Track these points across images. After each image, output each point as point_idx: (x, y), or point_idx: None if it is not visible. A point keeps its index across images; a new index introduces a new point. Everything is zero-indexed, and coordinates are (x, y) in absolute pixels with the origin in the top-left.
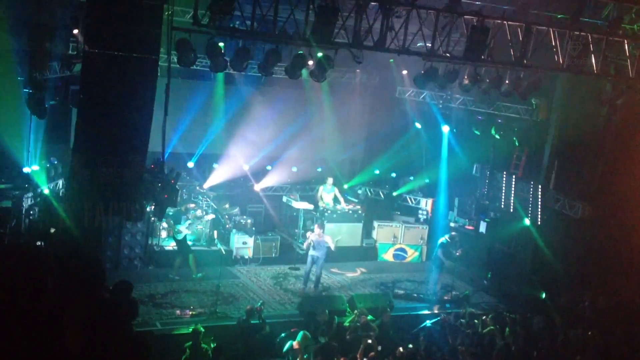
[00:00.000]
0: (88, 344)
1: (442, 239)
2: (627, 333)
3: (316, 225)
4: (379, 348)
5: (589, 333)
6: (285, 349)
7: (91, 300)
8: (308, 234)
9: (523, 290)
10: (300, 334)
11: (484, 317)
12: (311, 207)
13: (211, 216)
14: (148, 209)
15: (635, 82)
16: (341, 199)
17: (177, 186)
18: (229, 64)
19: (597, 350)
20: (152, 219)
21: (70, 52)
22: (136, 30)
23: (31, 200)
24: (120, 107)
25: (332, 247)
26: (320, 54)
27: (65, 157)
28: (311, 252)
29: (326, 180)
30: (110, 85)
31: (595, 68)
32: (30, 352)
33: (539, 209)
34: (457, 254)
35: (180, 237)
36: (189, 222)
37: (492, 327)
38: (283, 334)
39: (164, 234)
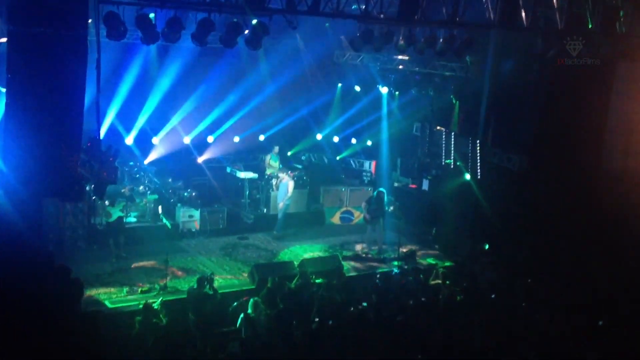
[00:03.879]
0: (36, 326)
1: (370, 195)
2: (567, 280)
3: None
4: None
5: (530, 281)
6: (239, 320)
7: (36, 284)
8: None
9: (466, 243)
10: (251, 302)
11: (430, 271)
12: (256, 175)
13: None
14: (87, 188)
15: (564, 34)
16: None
17: (116, 163)
18: (161, 35)
19: (539, 298)
20: (93, 197)
21: None
22: (61, 6)
23: None
24: (50, 85)
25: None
26: (254, 21)
27: None
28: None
29: (273, 148)
30: (38, 63)
31: (525, 22)
32: None
33: (478, 164)
34: (390, 209)
35: (112, 219)
36: (122, 204)
37: (438, 281)
38: (235, 303)
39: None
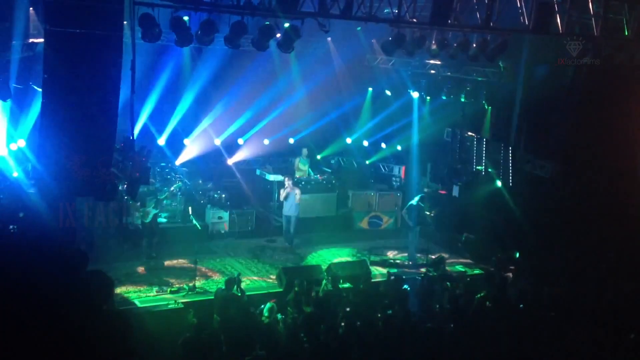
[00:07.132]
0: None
1: (411, 202)
2: (599, 288)
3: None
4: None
5: (560, 290)
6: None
7: (68, 282)
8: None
9: (496, 251)
10: (267, 306)
11: (459, 279)
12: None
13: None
14: (120, 187)
15: (600, 41)
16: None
17: (148, 164)
18: (194, 37)
19: (569, 307)
20: (125, 197)
21: (32, 31)
22: (97, 6)
23: (0, 185)
24: (86, 85)
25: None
26: (286, 24)
27: (32, 139)
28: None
29: (301, 151)
30: (74, 63)
31: (560, 28)
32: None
33: (510, 170)
34: (432, 214)
35: (148, 220)
36: (153, 200)
37: (467, 288)
38: (262, 307)
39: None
